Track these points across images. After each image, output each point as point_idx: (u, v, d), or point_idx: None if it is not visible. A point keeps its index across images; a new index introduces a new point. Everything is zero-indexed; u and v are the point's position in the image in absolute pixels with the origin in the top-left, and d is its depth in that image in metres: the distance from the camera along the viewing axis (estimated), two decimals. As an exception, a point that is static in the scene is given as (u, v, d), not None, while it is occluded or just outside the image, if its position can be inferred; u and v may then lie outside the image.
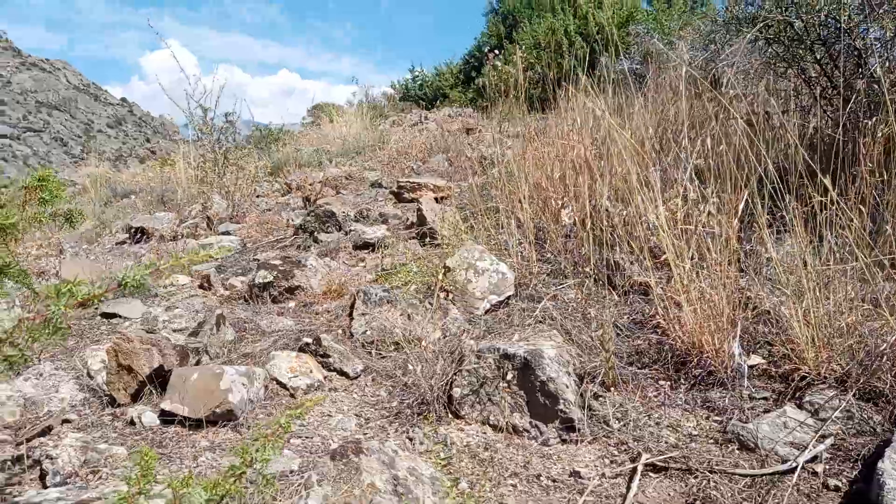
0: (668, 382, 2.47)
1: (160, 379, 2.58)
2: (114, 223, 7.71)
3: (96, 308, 3.52)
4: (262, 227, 5.52)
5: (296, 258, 3.89)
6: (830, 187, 2.34)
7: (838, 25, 3.21)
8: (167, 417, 2.38)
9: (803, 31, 3.32)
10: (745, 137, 2.53)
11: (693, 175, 2.78)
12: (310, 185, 6.46)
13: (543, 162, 4.02)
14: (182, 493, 1.25)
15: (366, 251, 4.40)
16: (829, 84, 3.26)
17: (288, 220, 5.73)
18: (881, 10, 3.13)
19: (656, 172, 2.72)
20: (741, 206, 2.58)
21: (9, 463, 2.24)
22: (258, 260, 4.38)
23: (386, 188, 6.72)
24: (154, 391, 2.57)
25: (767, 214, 2.63)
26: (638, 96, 4.46)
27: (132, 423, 2.43)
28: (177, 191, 7.99)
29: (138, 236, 5.94)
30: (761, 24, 3.19)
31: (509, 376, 2.35)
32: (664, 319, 2.60)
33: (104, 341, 3.14)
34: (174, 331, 3.07)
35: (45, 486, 2.11)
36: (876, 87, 3.09)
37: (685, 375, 2.46)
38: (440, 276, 3.11)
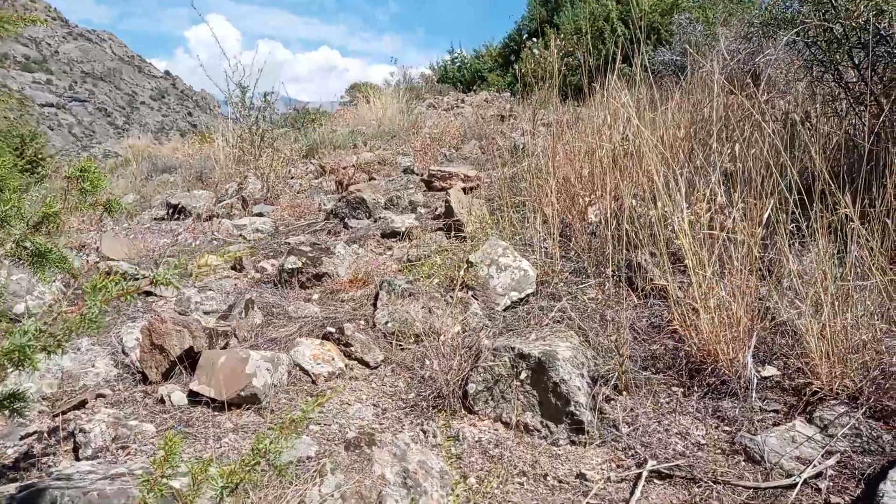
0: (682, 389, 2.49)
1: (190, 360, 2.71)
2: (154, 198, 7.95)
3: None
4: (294, 210, 5.63)
5: (325, 244, 3.98)
6: (850, 202, 2.31)
7: (878, 30, 3.13)
8: (195, 397, 2.51)
9: (842, 34, 3.25)
10: (774, 143, 2.50)
11: (721, 179, 2.77)
12: (343, 168, 6.56)
13: (574, 156, 4.02)
14: (200, 478, 1.35)
15: (394, 239, 4.47)
16: (866, 90, 3.19)
17: (320, 203, 5.83)
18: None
19: (682, 176, 2.71)
20: (766, 215, 2.57)
21: (45, 434, 2.39)
22: (289, 244, 4.49)
23: (417, 175, 6.77)
24: (184, 371, 2.70)
25: (793, 224, 2.61)
26: (675, 90, 4.40)
27: (162, 401, 2.56)
28: (215, 168, 8.19)
29: (176, 214, 6.13)
30: (799, 28, 3.12)
31: (523, 375, 2.41)
32: (681, 325, 2.61)
33: (140, 319, 3.29)
34: (205, 313, 3.20)
35: (77, 459, 2.25)
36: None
37: (699, 383, 2.47)
38: (462, 272, 3.17)
